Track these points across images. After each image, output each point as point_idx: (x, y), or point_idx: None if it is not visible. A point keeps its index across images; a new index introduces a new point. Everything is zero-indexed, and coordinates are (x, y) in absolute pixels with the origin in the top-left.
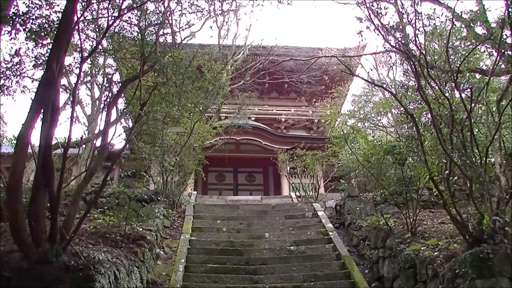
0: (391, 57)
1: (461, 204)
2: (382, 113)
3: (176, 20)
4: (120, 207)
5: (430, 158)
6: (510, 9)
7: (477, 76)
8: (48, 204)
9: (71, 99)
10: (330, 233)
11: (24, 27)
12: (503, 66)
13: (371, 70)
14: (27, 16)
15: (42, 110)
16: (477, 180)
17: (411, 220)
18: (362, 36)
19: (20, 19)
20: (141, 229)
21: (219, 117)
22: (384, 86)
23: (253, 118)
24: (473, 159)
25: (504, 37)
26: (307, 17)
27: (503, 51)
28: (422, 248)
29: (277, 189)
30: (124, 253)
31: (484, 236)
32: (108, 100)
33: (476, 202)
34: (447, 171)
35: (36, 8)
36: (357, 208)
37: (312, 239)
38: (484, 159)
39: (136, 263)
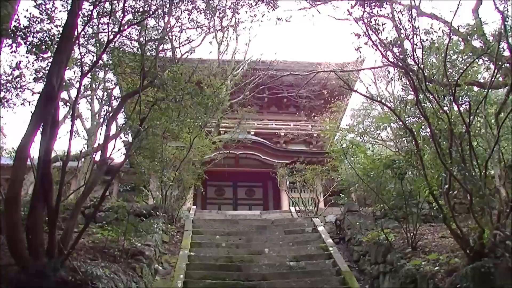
0: (389, 72)
1: (461, 218)
2: (381, 127)
3: (176, 36)
4: (119, 221)
5: (429, 172)
6: (506, 22)
7: (475, 89)
8: (47, 218)
9: (71, 112)
10: (330, 249)
11: (25, 41)
12: (500, 78)
13: (370, 85)
14: (28, 29)
15: (42, 124)
16: (477, 193)
17: (412, 234)
18: (360, 52)
19: (21, 33)
20: (139, 244)
21: (218, 131)
22: (383, 100)
23: (252, 133)
24: (473, 172)
25: (501, 50)
26: (305, 33)
27: (500, 64)
28: (423, 263)
29: (277, 204)
30: (122, 268)
31: (485, 250)
32: (108, 114)
33: (476, 215)
34: (447, 185)
35: (37, 22)
36: (357, 223)
37: (312, 254)
38: (483, 172)
39: (135, 279)
